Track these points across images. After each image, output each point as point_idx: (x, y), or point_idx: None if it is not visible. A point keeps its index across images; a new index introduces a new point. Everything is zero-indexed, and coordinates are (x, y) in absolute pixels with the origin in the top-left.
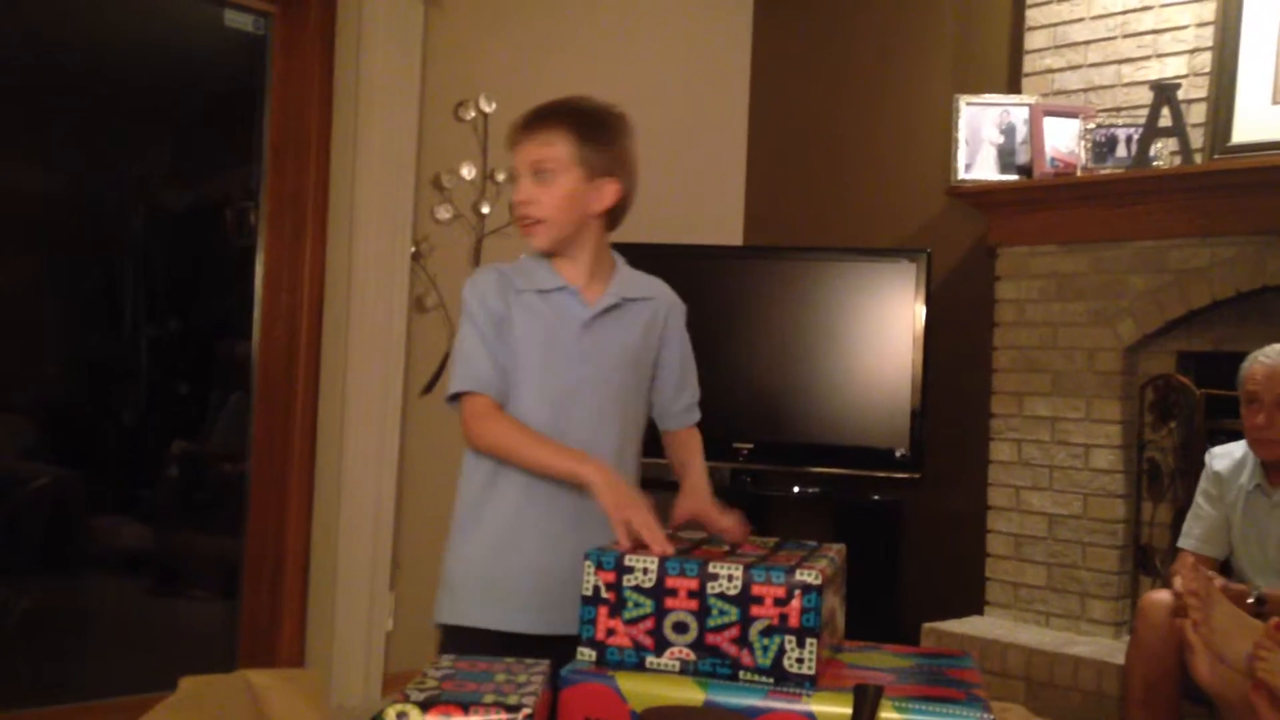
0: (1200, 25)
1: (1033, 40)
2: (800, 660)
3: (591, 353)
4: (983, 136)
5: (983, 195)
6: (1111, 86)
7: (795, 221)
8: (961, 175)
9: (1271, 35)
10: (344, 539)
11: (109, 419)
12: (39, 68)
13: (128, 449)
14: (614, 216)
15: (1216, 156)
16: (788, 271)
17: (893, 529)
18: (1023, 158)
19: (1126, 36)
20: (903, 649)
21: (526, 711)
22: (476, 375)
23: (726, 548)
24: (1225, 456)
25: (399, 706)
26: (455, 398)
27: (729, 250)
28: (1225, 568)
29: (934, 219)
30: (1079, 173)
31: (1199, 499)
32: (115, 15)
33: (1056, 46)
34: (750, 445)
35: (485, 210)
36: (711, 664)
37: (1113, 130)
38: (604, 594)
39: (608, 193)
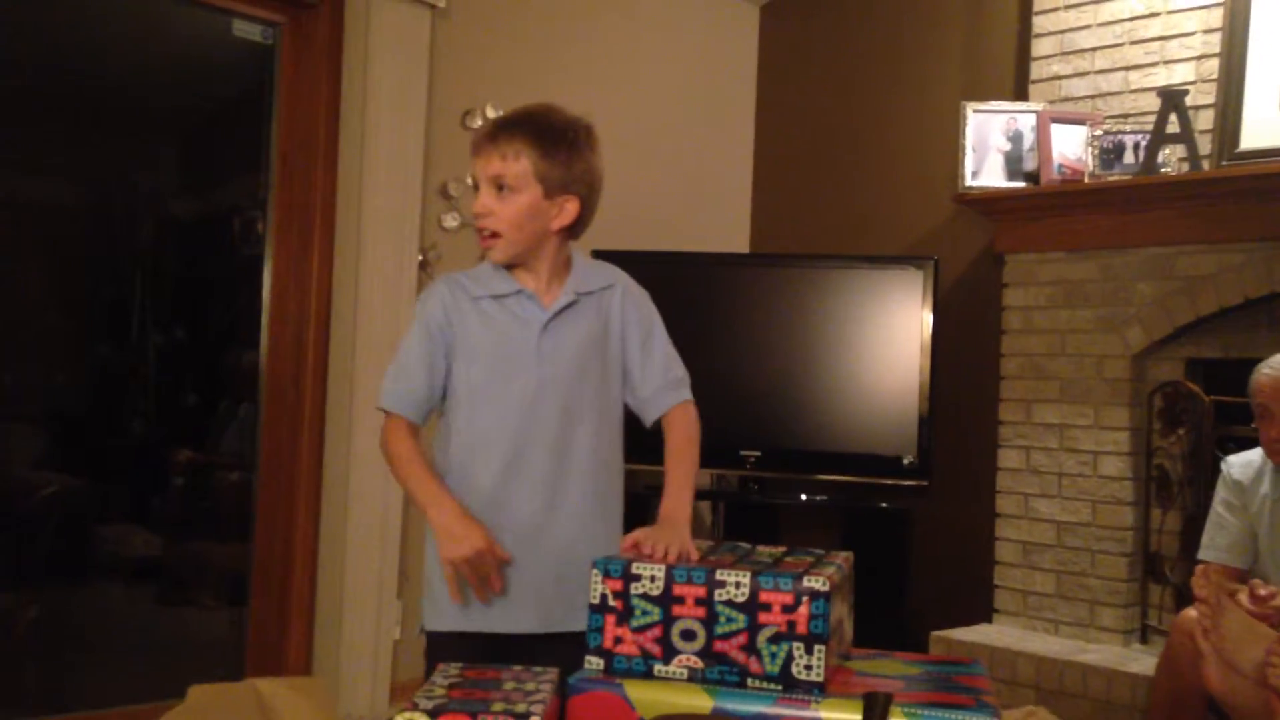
0: (1208, 31)
1: (1040, 47)
2: (808, 667)
3: (552, 353)
4: (990, 144)
5: (990, 202)
6: (1119, 93)
7: (802, 229)
8: (969, 182)
9: (1279, 41)
10: (351, 547)
11: (117, 428)
12: (47, 78)
13: (136, 458)
14: (574, 230)
15: (1224, 163)
16: (794, 279)
17: (901, 537)
18: (1030, 165)
19: (1134, 43)
20: (912, 656)
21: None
22: (401, 396)
23: (705, 548)
24: (1244, 465)
25: (408, 715)
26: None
27: (735, 258)
28: (1249, 577)
29: (941, 226)
30: (1086, 179)
31: (1220, 509)
32: (124, 25)
33: (1064, 53)
34: (757, 453)
35: None
36: (720, 671)
37: (1120, 137)
38: (611, 602)
39: (567, 210)
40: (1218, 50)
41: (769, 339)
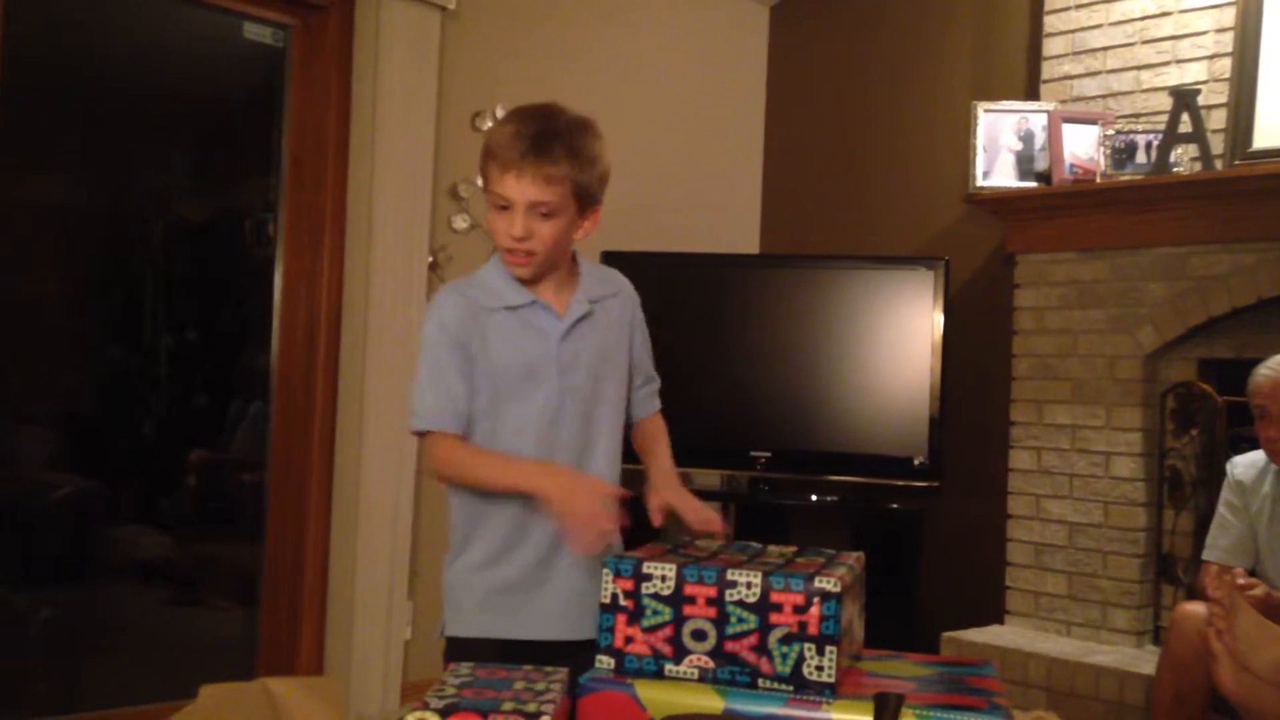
0: (1220, 31)
1: (1051, 47)
2: (820, 668)
3: (571, 363)
4: (1001, 143)
5: (1001, 202)
6: (1130, 92)
7: (812, 230)
8: (980, 182)
9: None
10: (362, 548)
11: (129, 429)
12: (59, 80)
13: (148, 459)
14: None
15: (1237, 162)
16: (805, 280)
17: (912, 538)
18: (1041, 164)
19: (1145, 42)
20: (924, 658)
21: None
22: (444, 410)
23: (716, 547)
24: (1248, 465)
25: (419, 714)
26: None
27: (745, 259)
28: (1251, 577)
29: (952, 226)
30: (1098, 179)
31: (1222, 509)
32: (135, 28)
33: (1075, 53)
34: (768, 454)
35: None
36: (730, 672)
37: (1132, 136)
38: (622, 601)
39: (593, 220)
40: (1230, 49)
41: (779, 340)
